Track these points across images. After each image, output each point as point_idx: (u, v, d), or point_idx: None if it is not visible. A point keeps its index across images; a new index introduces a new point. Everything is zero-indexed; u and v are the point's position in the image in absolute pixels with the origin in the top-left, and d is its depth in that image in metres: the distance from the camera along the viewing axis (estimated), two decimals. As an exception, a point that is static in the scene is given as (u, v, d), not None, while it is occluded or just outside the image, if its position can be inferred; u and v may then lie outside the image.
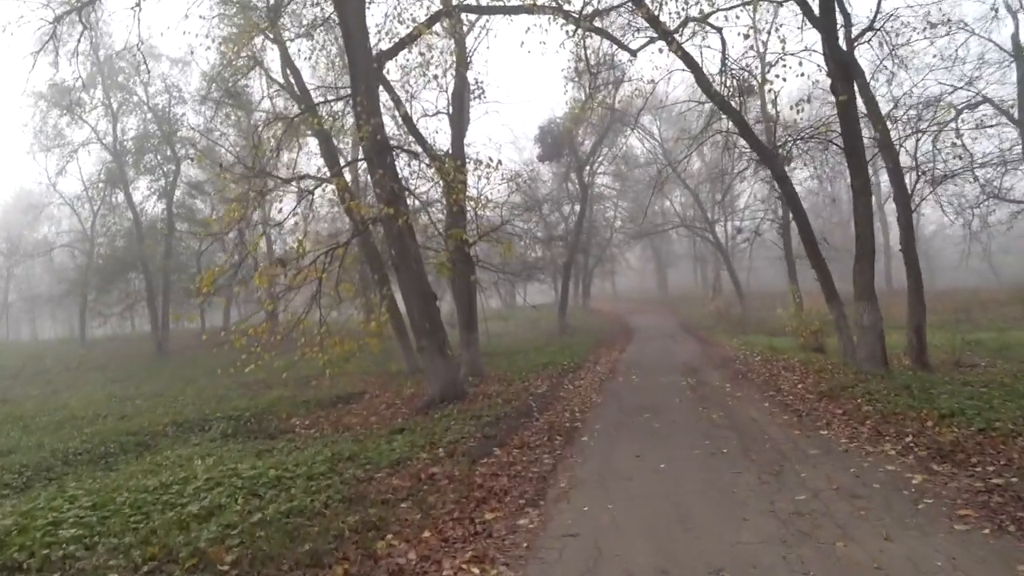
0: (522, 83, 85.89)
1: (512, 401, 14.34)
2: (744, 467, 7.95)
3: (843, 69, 13.76)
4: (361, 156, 17.52)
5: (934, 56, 20.36)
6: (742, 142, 17.81)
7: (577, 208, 39.80)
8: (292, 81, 22.58)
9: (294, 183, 17.18)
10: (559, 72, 34.86)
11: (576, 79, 21.80)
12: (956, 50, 21.83)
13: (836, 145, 15.23)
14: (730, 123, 16.90)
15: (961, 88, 21.02)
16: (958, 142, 18.64)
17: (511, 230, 24.74)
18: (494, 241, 21.15)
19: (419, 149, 19.75)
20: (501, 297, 59.36)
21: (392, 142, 16.57)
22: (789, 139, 15.73)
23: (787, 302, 41.78)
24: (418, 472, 8.51)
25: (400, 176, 16.16)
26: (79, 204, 42.73)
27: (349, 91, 16.28)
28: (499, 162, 16.14)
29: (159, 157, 37.36)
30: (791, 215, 16.33)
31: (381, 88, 22.11)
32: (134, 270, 37.52)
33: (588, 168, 38.89)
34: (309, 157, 29.51)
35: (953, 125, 18.59)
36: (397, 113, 20.65)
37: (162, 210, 38.70)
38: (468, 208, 22.28)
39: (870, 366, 13.70)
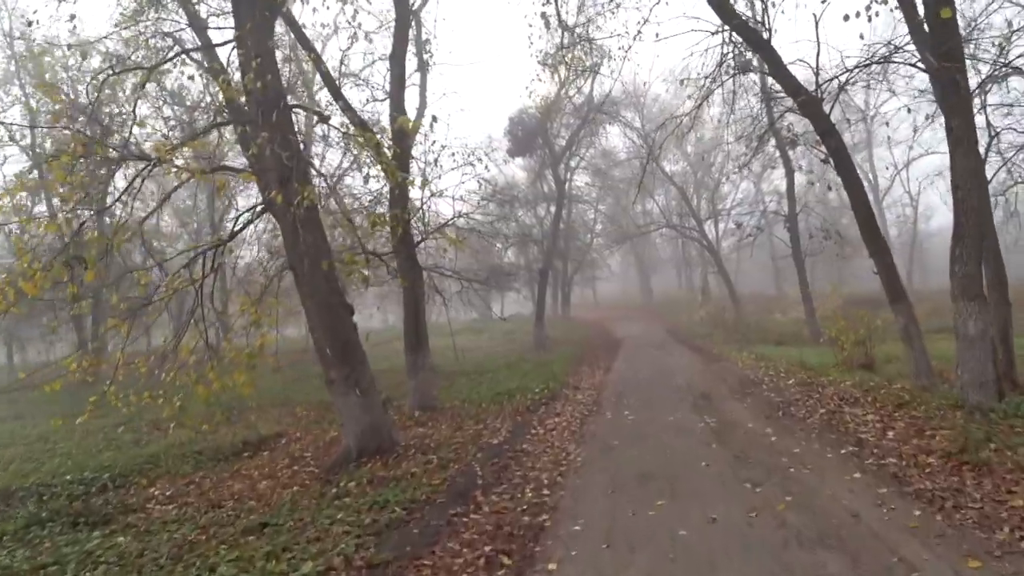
0: (489, 74, 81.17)
1: (452, 463, 9.47)
2: None
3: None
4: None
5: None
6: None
7: (553, 208, 34.78)
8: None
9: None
10: (529, 55, 29.97)
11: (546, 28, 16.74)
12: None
13: (918, 70, 10.21)
14: (756, 58, 12.11)
15: None
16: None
17: (479, 229, 19.71)
18: (450, 240, 16.31)
19: (340, 119, 14.85)
20: (476, 308, 54.47)
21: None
22: (844, 72, 10.73)
23: (784, 306, 37.54)
24: None
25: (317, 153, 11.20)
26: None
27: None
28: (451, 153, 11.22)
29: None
30: (848, 191, 11.36)
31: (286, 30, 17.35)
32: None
33: (564, 164, 33.95)
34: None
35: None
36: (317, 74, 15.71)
37: None
38: (416, 198, 17.53)
39: (979, 395, 8.87)
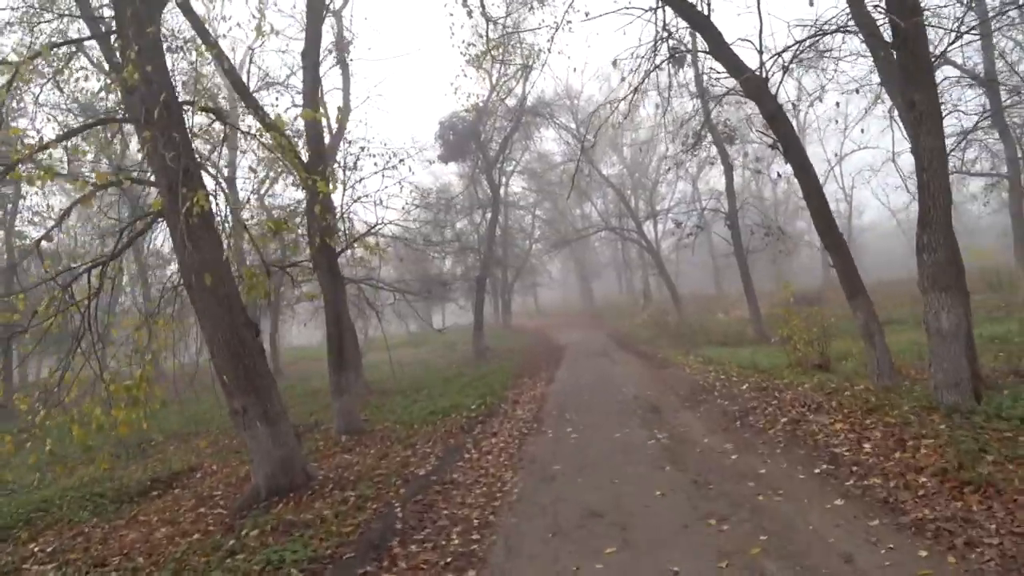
0: (420, 79, 79.69)
1: (370, 501, 8.11)
2: None
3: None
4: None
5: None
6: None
7: (489, 214, 33.52)
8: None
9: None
10: (452, 45, 28.66)
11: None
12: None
13: (868, 46, 9.25)
14: (692, 42, 11.09)
15: None
16: None
17: (407, 237, 18.27)
18: (371, 248, 15.00)
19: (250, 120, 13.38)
20: (412, 320, 52.80)
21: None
22: (793, 46, 9.66)
23: (726, 305, 37.04)
24: None
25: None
26: None
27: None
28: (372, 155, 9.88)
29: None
30: (799, 178, 10.42)
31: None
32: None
33: (498, 168, 32.77)
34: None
35: None
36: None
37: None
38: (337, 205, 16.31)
39: (955, 396, 7.90)
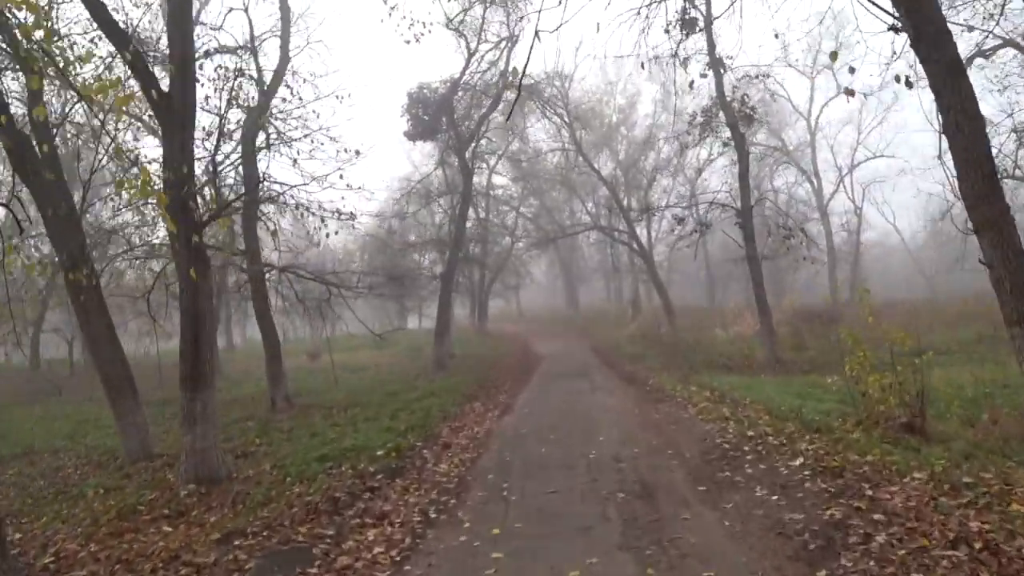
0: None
1: None
2: None
3: None
4: None
5: None
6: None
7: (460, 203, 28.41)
8: None
9: None
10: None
11: None
12: None
13: None
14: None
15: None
16: None
17: (319, 211, 13.13)
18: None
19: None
20: (387, 318, 47.64)
21: None
22: None
23: (724, 321, 32.02)
24: None
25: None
26: None
27: None
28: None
29: None
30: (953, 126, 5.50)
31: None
32: None
33: (473, 148, 27.69)
34: None
35: None
36: None
37: None
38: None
39: None
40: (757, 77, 18.52)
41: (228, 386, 21.91)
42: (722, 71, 18.82)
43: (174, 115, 9.18)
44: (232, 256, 18.05)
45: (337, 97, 15.61)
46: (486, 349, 31.65)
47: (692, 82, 13.91)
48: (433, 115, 26.03)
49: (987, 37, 19.75)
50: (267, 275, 17.23)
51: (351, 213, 12.69)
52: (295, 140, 15.49)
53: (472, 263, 37.77)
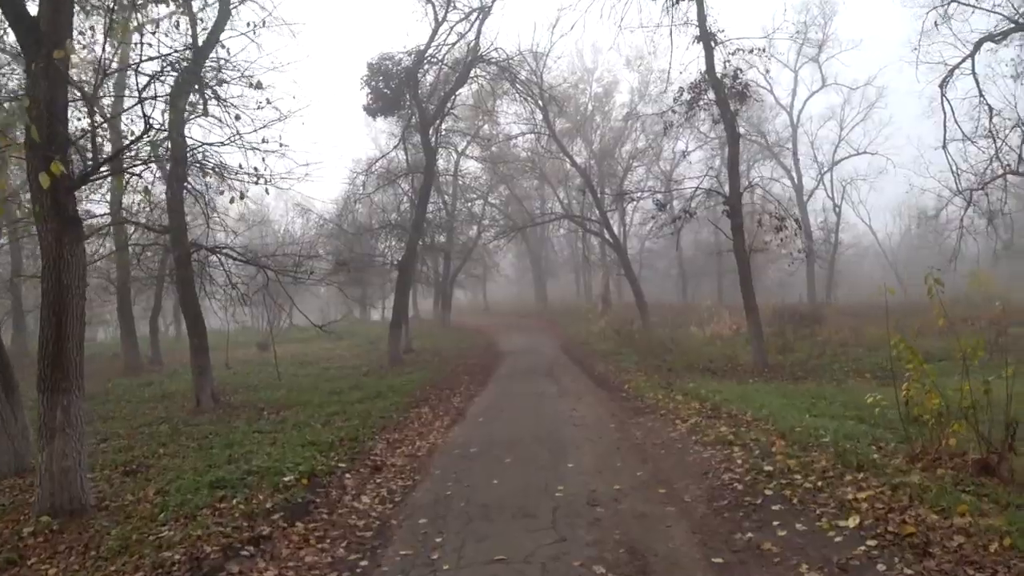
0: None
1: None
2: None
3: None
4: None
5: None
6: None
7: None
8: None
9: None
10: None
11: None
12: None
13: None
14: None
15: None
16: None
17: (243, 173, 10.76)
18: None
19: None
20: (351, 309, 45.01)
21: None
22: None
23: (699, 318, 30.06)
24: None
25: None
26: None
27: None
28: None
29: None
30: None
31: None
32: None
33: (435, 127, 25.25)
34: None
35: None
36: None
37: None
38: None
39: None
40: (752, 51, 16.40)
41: (161, 380, 19.45)
42: (713, 44, 16.78)
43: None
44: (152, 232, 15.62)
45: (290, 30, 13.20)
46: (448, 343, 29.36)
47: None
48: (396, 88, 23.56)
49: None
50: (193, 256, 14.82)
51: (267, 176, 10.31)
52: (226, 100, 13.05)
53: (436, 252, 35.48)
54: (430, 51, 22.83)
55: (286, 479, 7.43)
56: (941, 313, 5.75)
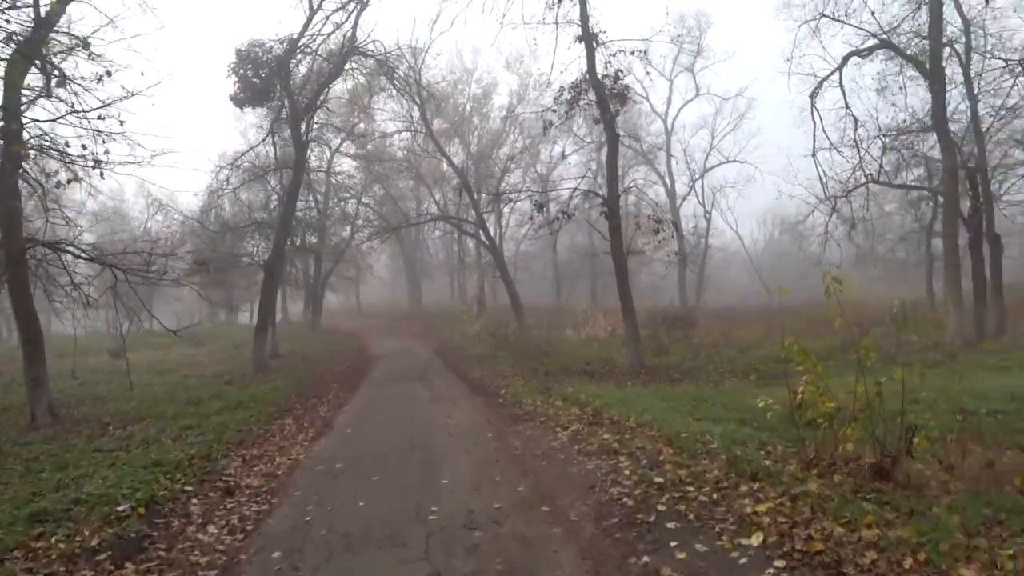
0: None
1: None
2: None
3: None
4: None
5: None
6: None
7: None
8: None
9: None
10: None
11: None
12: None
13: None
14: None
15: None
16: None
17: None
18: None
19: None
20: (228, 305, 41.91)
21: None
22: None
23: (574, 321, 30.09)
24: None
25: None
26: None
27: None
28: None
29: None
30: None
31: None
32: None
33: (307, 121, 23.82)
34: None
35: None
36: None
37: None
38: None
39: None
40: (633, 53, 16.31)
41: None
42: (595, 45, 16.59)
43: None
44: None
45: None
46: (318, 347, 27.87)
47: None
48: (266, 78, 21.95)
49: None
50: (29, 252, 12.89)
51: (104, 160, 8.94)
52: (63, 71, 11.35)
53: (307, 253, 33.73)
54: (304, 40, 21.44)
55: (120, 508, 6.30)
56: (838, 312, 5.42)
